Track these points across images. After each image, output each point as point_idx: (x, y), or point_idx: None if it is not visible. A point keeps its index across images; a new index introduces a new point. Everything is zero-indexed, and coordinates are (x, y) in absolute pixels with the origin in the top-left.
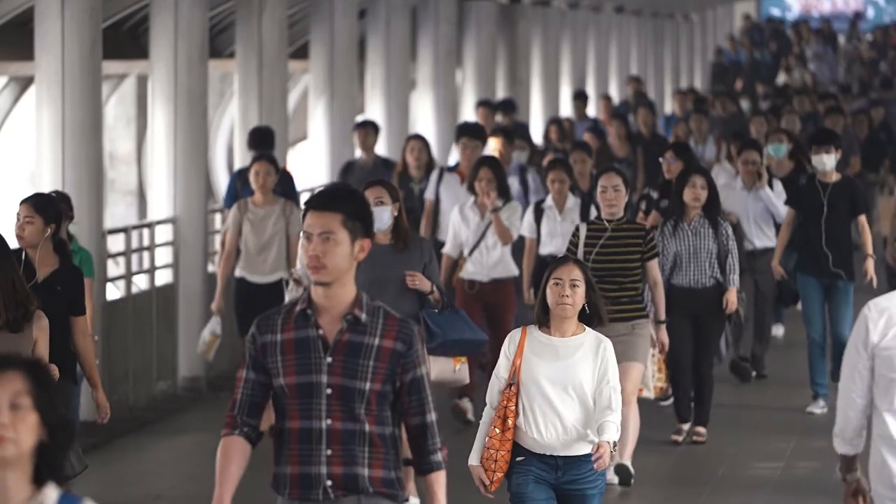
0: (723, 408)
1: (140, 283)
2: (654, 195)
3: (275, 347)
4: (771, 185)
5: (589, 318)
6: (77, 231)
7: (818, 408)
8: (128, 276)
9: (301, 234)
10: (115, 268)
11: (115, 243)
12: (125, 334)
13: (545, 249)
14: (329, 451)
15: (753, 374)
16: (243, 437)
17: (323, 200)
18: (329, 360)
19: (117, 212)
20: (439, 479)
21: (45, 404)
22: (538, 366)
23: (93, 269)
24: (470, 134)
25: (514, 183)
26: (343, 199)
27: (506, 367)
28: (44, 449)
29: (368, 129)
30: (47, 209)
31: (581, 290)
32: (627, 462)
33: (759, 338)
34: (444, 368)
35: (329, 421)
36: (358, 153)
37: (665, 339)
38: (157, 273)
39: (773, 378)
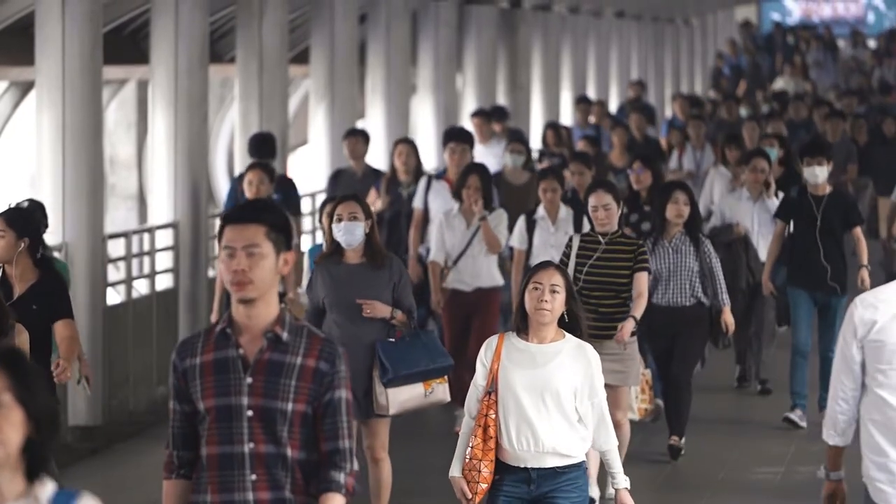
0: (723, 412)
1: (140, 287)
2: (624, 210)
3: (195, 371)
4: (776, 194)
5: (570, 327)
6: (77, 236)
7: (796, 416)
8: (128, 281)
9: (221, 250)
10: (115, 272)
11: (116, 248)
12: (125, 339)
13: (541, 259)
14: (254, 476)
15: (758, 387)
16: (182, 479)
17: (244, 213)
18: (249, 380)
19: (118, 216)
20: (334, 503)
21: (28, 396)
22: (513, 373)
23: (69, 280)
24: (457, 139)
25: None
26: (264, 210)
27: (483, 374)
28: (33, 443)
29: (357, 138)
30: (20, 223)
31: (561, 297)
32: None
33: (758, 349)
34: (410, 397)
35: (252, 444)
36: (347, 162)
37: (627, 330)
38: (158, 278)
39: (772, 382)
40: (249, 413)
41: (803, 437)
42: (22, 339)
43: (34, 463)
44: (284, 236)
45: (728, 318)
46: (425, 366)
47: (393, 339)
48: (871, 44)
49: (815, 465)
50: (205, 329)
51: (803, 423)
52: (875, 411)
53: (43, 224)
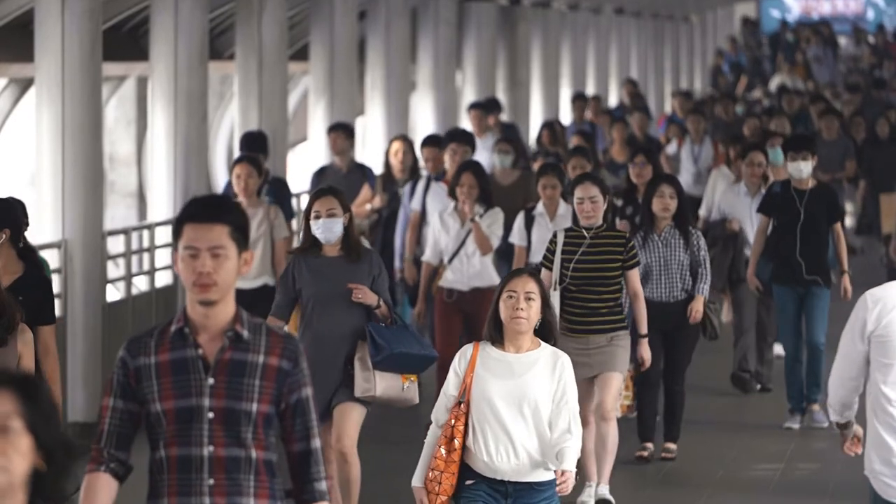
0: (722, 410)
1: (140, 284)
2: (619, 202)
3: (149, 370)
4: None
5: (543, 334)
6: (77, 232)
7: (795, 423)
8: (128, 278)
9: (181, 249)
10: (115, 269)
11: (116, 245)
12: (125, 336)
13: (536, 258)
14: (212, 481)
15: (758, 386)
16: (109, 474)
17: (207, 212)
18: (211, 381)
19: (117, 213)
20: None
21: (41, 425)
22: (490, 383)
23: (49, 275)
24: (459, 140)
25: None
26: (227, 209)
27: (455, 384)
28: (40, 474)
29: (339, 133)
30: None
31: (536, 305)
32: (606, 488)
33: (760, 351)
34: (391, 385)
35: (211, 448)
36: (331, 158)
37: (647, 354)
38: (157, 274)
39: (772, 381)
40: (210, 415)
41: (803, 435)
42: (26, 338)
43: (39, 494)
44: (244, 235)
45: (697, 305)
46: (418, 350)
47: (384, 324)
48: (870, 39)
49: (814, 462)
50: (157, 327)
51: (800, 424)
52: (879, 408)
53: (24, 222)
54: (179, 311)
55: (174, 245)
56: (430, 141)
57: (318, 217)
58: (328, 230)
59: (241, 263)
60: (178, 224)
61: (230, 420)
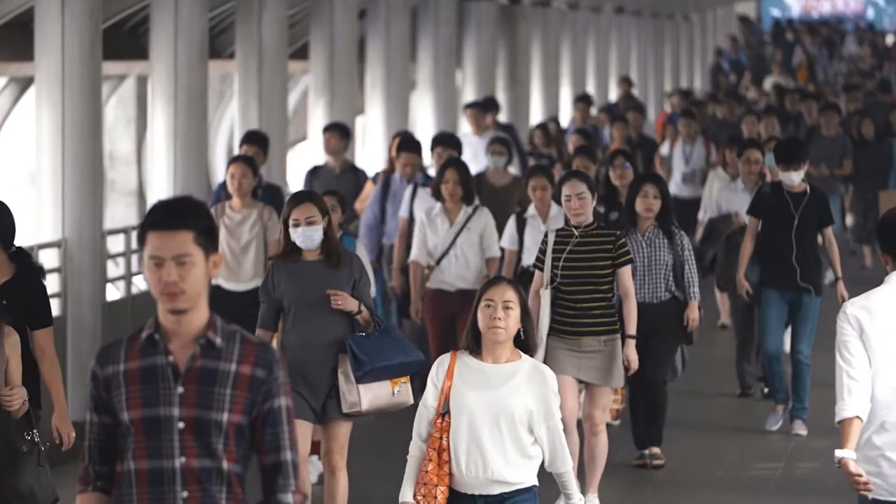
0: (722, 408)
1: (140, 283)
2: (601, 209)
3: (118, 378)
4: None
5: (523, 345)
6: (77, 232)
7: (799, 427)
8: (128, 277)
9: (146, 258)
10: (114, 268)
11: (115, 244)
12: (125, 335)
13: (531, 260)
14: (185, 493)
15: (765, 390)
16: (99, 493)
17: (170, 218)
18: (181, 389)
19: (117, 212)
20: None
21: None
22: (466, 394)
23: (43, 280)
24: (445, 144)
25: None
26: (190, 213)
27: (434, 395)
28: None
29: (332, 133)
30: None
31: (515, 314)
32: (594, 498)
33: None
34: (379, 394)
35: (183, 459)
36: (325, 158)
37: (633, 356)
38: None
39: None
40: (181, 425)
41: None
42: (12, 341)
43: None
44: (212, 238)
45: (693, 314)
46: (401, 359)
47: (364, 334)
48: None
49: (814, 461)
50: (127, 336)
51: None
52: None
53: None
54: (151, 318)
55: (140, 252)
56: (408, 146)
57: (297, 225)
58: (308, 238)
59: (211, 267)
60: (142, 231)
61: (201, 430)
